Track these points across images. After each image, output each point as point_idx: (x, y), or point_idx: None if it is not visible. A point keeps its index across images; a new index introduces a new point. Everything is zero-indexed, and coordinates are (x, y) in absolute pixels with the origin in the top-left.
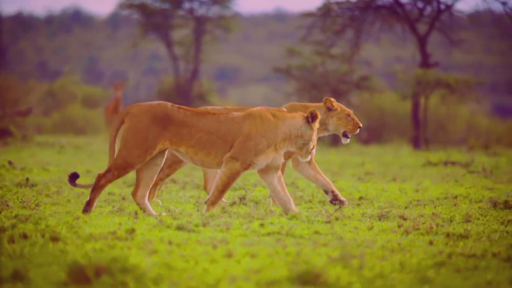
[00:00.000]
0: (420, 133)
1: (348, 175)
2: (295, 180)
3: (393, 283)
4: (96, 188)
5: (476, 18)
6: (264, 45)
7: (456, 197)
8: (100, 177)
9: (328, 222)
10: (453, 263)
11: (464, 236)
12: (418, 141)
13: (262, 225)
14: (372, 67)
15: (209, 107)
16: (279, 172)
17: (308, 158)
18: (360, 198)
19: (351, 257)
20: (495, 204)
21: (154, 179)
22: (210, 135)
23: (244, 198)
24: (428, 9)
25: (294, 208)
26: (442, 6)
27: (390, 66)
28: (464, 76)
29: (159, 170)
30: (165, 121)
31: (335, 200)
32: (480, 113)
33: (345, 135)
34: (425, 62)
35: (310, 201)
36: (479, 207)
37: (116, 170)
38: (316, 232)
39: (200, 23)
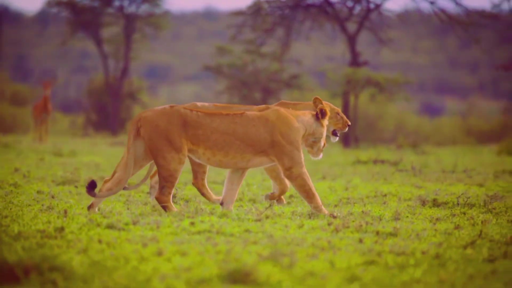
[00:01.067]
0: (350, 132)
1: None
2: (224, 179)
3: (323, 281)
4: (165, 208)
5: (405, 17)
6: (195, 43)
7: (385, 195)
8: (159, 198)
9: (259, 220)
10: (382, 261)
11: (393, 234)
12: (348, 140)
13: (192, 223)
14: (302, 65)
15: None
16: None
17: (320, 157)
18: (291, 196)
19: (282, 255)
20: (423, 202)
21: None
22: (226, 136)
23: (175, 197)
24: (358, 8)
25: (231, 207)
26: (372, 5)
27: (320, 65)
28: (393, 75)
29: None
30: (181, 122)
31: (268, 199)
32: (408, 111)
33: (334, 133)
34: (355, 61)
35: (240, 199)
36: (408, 205)
37: (167, 182)
38: (247, 230)
39: (130, 21)
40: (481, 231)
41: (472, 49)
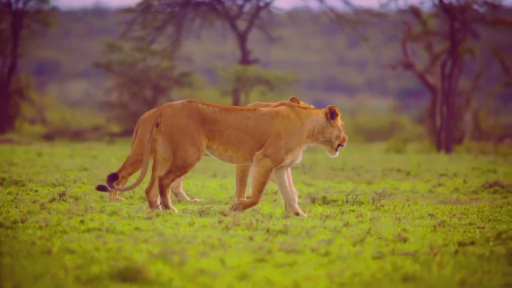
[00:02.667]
0: None
1: None
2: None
3: (213, 279)
4: (163, 190)
5: (294, 15)
6: (84, 40)
7: (275, 192)
8: (162, 179)
9: (149, 218)
10: (273, 259)
11: (283, 232)
12: None
13: (82, 221)
14: (193, 63)
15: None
16: (289, 168)
17: (336, 155)
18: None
19: (172, 253)
20: (313, 200)
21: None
22: (239, 131)
23: (64, 195)
24: (248, 6)
25: (297, 207)
26: (261, 4)
27: (211, 63)
28: (283, 73)
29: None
30: (199, 118)
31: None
32: None
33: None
34: (245, 58)
35: (131, 197)
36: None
37: (177, 171)
38: (137, 228)
39: (17, 17)
40: (369, 229)
41: (360, 47)
